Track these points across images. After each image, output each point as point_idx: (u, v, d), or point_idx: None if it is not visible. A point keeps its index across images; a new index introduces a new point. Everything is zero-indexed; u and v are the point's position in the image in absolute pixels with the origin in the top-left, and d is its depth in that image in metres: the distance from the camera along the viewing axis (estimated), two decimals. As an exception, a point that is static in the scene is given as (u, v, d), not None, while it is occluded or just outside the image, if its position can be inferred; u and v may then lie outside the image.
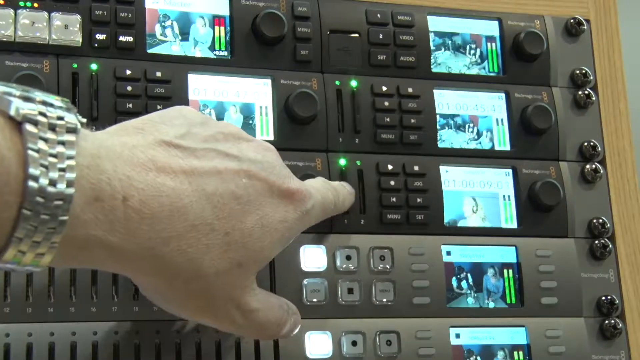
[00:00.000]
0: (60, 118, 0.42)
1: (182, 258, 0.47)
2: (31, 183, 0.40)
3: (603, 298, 0.68)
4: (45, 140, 0.41)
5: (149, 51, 0.63)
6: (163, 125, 0.49)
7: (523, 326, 0.66)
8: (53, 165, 0.40)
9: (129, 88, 0.61)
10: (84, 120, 0.44)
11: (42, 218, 0.40)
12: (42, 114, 0.41)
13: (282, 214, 0.52)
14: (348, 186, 0.63)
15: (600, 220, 0.70)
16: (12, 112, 0.40)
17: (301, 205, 0.54)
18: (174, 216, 0.46)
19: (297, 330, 0.58)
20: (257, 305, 0.53)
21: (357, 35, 0.68)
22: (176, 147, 0.48)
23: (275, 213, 0.52)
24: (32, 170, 0.40)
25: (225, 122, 0.54)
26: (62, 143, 0.41)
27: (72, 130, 0.42)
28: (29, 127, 0.40)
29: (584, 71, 0.73)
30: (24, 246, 0.41)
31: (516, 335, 0.66)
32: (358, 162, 0.65)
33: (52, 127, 0.41)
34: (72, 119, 0.43)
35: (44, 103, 0.42)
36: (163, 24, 0.64)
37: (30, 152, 0.40)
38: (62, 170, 0.41)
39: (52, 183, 0.40)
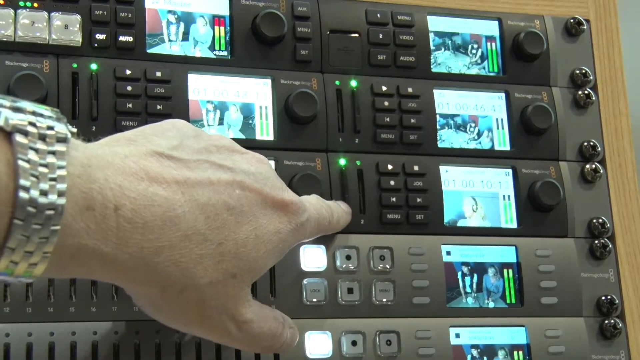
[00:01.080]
0: (51, 128, 0.42)
1: (174, 268, 0.47)
2: (22, 194, 0.39)
3: (603, 298, 0.68)
4: (36, 150, 0.41)
5: (148, 51, 0.63)
6: (155, 137, 0.49)
7: (523, 326, 0.66)
8: (44, 175, 0.40)
9: (129, 88, 0.61)
10: (75, 130, 0.44)
11: (33, 228, 0.40)
12: (32, 124, 0.41)
13: (276, 225, 0.52)
14: (344, 205, 0.63)
15: (600, 220, 0.70)
16: (2, 123, 0.40)
17: (295, 217, 0.54)
18: (167, 226, 0.46)
19: (294, 344, 0.57)
20: (252, 316, 0.52)
21: (357, 35, 0.68)
22: (169, 158, 0.48)
23: (269, 224, 0.52)
24: (23, 181, 0.40)
25: (218, 135, 0.54)
26: (53, 153, 0.41)
27: (62, 140, 0.42)
28: (19, 138, 0.40)
29: (583, 71, 0.73)
30: (16, 256, 0.41)
31: (516, 335, 0.66)
32: (358, 162, 0.65)
33: (43, 137, 0.41)
34: (62, 128, 0.43)
35: (34, 113, 0.42)
36: (169, 22, 0.64)
37: (20, 162, 0.40)
38: (53, 180, 0.41)
39: (43, 193, 0.40)
